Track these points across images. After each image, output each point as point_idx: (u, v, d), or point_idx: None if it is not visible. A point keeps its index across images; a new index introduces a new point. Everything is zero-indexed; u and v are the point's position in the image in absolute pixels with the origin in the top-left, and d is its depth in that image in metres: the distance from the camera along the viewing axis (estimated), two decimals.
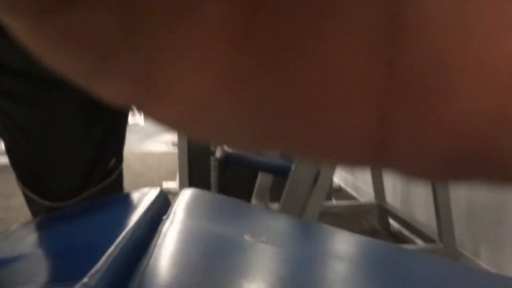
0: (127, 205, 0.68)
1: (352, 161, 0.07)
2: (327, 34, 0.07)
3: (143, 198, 0.68)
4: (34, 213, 0.80)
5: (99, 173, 0.79)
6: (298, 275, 0.51)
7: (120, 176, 0.84)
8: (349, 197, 3.16)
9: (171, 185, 3.22)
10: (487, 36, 0.06)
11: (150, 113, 0.08)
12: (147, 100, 0.07)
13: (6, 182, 3.06)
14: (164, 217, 0.59)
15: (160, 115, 0.08)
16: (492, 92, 0.06)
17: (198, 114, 0.07)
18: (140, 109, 0.08)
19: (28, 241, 0.60)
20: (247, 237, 0.57)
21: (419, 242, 2.03)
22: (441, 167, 0.07)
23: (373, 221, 2.55)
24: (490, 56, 0.06)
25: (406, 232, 2.30)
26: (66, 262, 0.48)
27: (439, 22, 0.06)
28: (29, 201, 0.80)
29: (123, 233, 0.51)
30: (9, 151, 0.78)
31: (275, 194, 1.92)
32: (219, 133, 0.08)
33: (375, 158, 0.07)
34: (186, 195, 0.70)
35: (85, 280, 0.40)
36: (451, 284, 0.59)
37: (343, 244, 0.69)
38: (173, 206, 0.64)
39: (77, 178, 0.78)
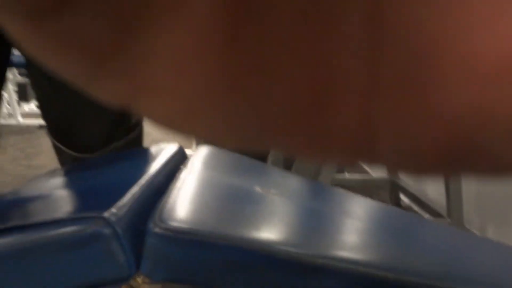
0: (148, 157, 0.73)
1: (342, 158, 0.08)
2: (310, 36, 0.07)
3: (163, 152, 0.73)
4: (62, 162, 0.86)
5: (123, 128, 0.85)
6: (304, 223, 0.56)
7: (141, 133, 0.90)
8: (362, 170, 3.18)
9: (188, 152, 3.28)
10: (465, 30, 0.06)
11: (143, 112, 0.08)
12: (140, 100, 0.08)
13: (29, 142, 3.15)
14: (182, 166, 0.64)
15: (153, 114, 0.08)
16: (474, 84, 0.06)
17: (189, 114, 0.08)
18: (134, 108, 0.08)
19: (58, 182, 0.66)
20: (257, 188, 0.62)
21: (428, 217, 2.07)
22: (429, 161, 0.07)
23: (384, 195, 2.58)
24: (470, 49, 0.06)
25: (416, 208, 2.34)
26: (94, 198, 0.54)
27: (417, 18, 0.06)
28: (58, 152, 0.86)
29: (145, 177, 0.57)
30: (40, 104, 0.84)
31: (289, 166, 1.95)
32: (210, 132, 0.08)
33: (364, 155, 0.07)
34: (204, 151, 0.75)
35: (113, 210, 0.45)
36: (456, 247, 0.62)
37: (354, 204, 0.72)
38: (190, 158, 0.69)
39: (103, 132, 0.83)
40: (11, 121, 3.69)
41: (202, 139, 0.09)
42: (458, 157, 0.07)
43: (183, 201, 0.51)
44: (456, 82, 0.06)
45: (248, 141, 0.08)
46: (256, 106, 0.07)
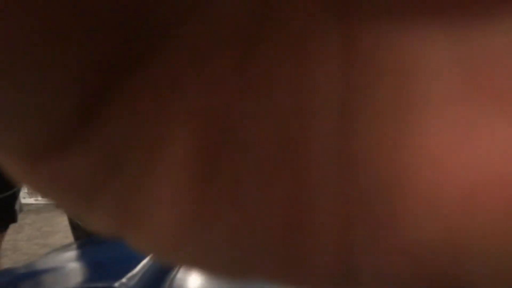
0: None
1: (322, 286, 0.08)
2: (284, 170, 0.07)
3: None
4: (77, 237, 0.87)
5: None
6: None
7: None
8: None
9: None
10: (431, 161, 0.06)
11: (131, 242, 0.08)
12: (128, 232, 0.08)
13: (46, 220, 3.17)
14: None
15: (140, 245, 0.08)
16: (441, 217, 0.06)
17: (171, 247, 0.08)
18: (123, 238, 0.08)
19: (72, 254, 0.66)
20: None
21: None
22: None
23: None
24: (436, 181, 0.06)
25: None
26: (106, 269, 0.54)
27: (381, 148, 0.06)
28: (73, 227, 0.87)
29: None
30: None
31: None
32: (193, 261, 0.08)
33: (346, 283, 0.07)
34: None
35: (124, 280, 0.46)
36: None
37: None
38: None
39: None
40: (30, 200, 3.74)
41: (187, 266, 0.09)
42: (440, 285, 0.07)
43: (194, 271, 0.51)
44: (423, 216, 0.06)
45: (228, 270, 0.08)
46: (233, 238, 0.07)
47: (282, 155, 0.07)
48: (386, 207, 0.06)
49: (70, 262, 0.61)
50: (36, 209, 3.37)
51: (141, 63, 0.07)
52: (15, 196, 0.89)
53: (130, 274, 0.48)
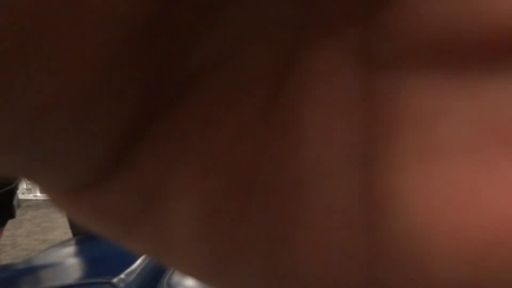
0: None
1: None
2: (311, 211, 0.07)
3: None
4: (76, 233, 0.87)
5: None
6: None
7: None
8: None
9: None
10: (455, 207, 0.06)
11: (168, 264, 0.09)
12: (166, 258, 0.09)
13: (45, 216, 3.18)
14: None
15: (179, 269, 0.09)
16: (466, 261, 0.06)
17: (206, 276, 0.08)
18: (161, 261, 0.09)
19: (70, 250, 0.66)
20: None
21: None
22: None
23: None
24: (461, 224, 0.06)
25: None
26: (105, 265, 0.54)
27: (405, 195, 0.06)
28: (72, 222, 0.88)
29: None
30: None
31: None
32: (227, 284, 0.09)
33: None
34: None
35: (122, 276, 0.46)
36: None
37: None
38: None
39: None
40: (29, 196, 3.74)
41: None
42: None
43: None
44: (449, 258, 0.06)
45: None
46: (269, 270, 0.08)
47: (305, 198, 0.07)
48: (414, 248, 0.07)
49: (69, 258, 0.61)
50: (35, 205, 3.38)
51: (170, 107, 0.07)
52: (13, 192, 0.89)
53: (128, 270, 0.48)
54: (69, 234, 0.90)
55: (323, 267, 0.07)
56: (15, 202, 0.90)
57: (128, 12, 0.06)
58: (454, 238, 0.06)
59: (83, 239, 0.78)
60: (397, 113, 0.07)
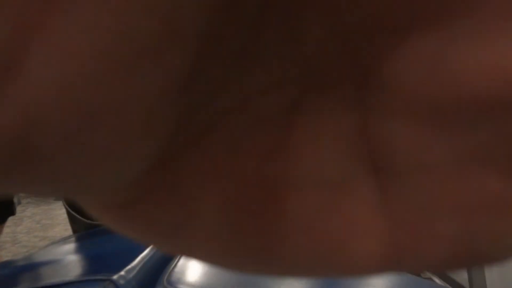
0: None
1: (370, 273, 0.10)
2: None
3: None
4: (76, 230, 0.87)
5: None
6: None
7: None
8: None
9: None
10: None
11: (194, 258, 0.10)
12: (191, 255, 0.10)
13: (45, 213, 3.18)
14: None
15: (193, 255, 0.10)
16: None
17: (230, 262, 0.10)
18: (188, 257, 0.10)
19: (70, 247, 0.66)
20: None
21: None
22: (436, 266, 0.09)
23: None
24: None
25: (436, 280, 2.26)
26: (105, 262, 0.54)
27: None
28: (71, 219, 0.88)
29: None
30: None
31: None
32: (238, 266, 0.10)
33: (391, 268, 0.09)
34: None
35: (122, 273, 0.46)
36: None
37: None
38: None
39: None
40: None
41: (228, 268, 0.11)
42: (463, 263, 0.09)
43: (192, 265, 0.51)
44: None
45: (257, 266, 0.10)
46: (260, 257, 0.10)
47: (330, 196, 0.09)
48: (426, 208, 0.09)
49: (69, 255, 0.61)
50: (35, 202, 3.38)
51: (202, 138, 0.09)
52: None
53: (128, 267, 0.48)
54: (69, 231, 0.90)
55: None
56: (15, 199, 0.90)
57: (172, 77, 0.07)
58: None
59: (83, 236, 0.78)
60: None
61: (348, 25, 0.08)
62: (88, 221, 0.85)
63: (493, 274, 1.84)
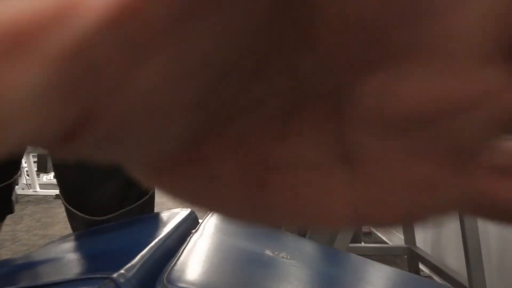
0: (159, 222, 0.73)
1: (337, 225, 0.13)
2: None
3: (175, 217, 0.74)
4: (75, 228, 0.87)
5: (135, 192, 0.86)
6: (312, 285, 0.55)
7: (153, 197, 0.91)
8: (379, 241, 3.12)
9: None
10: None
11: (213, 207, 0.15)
12: (212, 197, 0.14)
13: (45, 212, 3.18)
14: (193, 231, 0.65)
15: (201, 203, 0.14)
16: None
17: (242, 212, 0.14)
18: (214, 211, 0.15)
19: (70, 245, 0.66)
20: (267, 252, 0.61)
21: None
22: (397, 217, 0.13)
23: (402, 265, 2.50)
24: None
25: (436, 278, 2.26)
26: (104, 260, 0.54)
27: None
28: (70, 216, 0.87)
29: (156, 240, 0.57)
30: (55, 169, 0.86)
31: (303, 232, 1.93)
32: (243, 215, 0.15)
33: (355, 224, 0.13)
34: (215, 216, 0.75)
35: (122, 271, 0.45)
36: None
37: (371, 271, 0.70)
38: (202, 222, 0.69)
39: (115, 196, 0.84)
40: (29, 192, 3.73)
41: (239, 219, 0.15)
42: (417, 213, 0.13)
43: (192, 264, 0.51)
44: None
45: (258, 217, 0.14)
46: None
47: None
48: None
49: (69, 253, 0.61)
50: (35, 200, 3.38)
51: (223, 127, 0.13)
52: (11, 187, 0.89)
53: (128, 265, 0.48)
54: (69, 229, 0.90)
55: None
56: (13, 197, 0.90)
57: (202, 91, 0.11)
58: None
59: (83, 234, 0.78)
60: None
61: (332, 62, 0.11)
62: (87, 217, 0.85)
63: (493, 274, 1.84)
